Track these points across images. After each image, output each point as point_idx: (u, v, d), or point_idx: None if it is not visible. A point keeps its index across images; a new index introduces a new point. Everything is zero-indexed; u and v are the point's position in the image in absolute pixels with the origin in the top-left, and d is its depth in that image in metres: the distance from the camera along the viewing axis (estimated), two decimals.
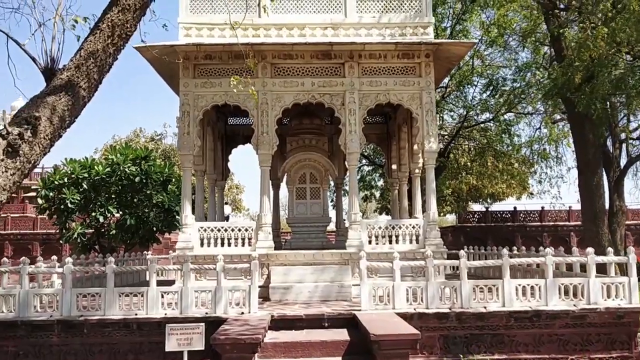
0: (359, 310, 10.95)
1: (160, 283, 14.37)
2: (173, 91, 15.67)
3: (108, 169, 23.33)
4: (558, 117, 28.53)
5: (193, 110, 14.20)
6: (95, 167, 23.61)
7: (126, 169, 23.16)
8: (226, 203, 50.50)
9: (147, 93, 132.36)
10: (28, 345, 10.65)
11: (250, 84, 10.30)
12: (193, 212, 15.89)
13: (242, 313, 10.87)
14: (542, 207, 43.92)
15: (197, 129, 14.32)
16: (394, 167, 18.96)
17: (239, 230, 14.08)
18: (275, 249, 14.45)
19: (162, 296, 10.93)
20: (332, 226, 20.09)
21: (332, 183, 20.30)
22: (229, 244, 13.96)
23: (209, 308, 10.89)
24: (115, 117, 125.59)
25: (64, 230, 24.21)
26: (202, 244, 13.97)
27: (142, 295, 10.89)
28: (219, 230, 14.07)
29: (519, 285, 11.15)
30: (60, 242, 25.50)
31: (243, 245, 14.00)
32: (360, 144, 14.20)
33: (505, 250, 11.52)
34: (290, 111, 15.78)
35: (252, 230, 14.06)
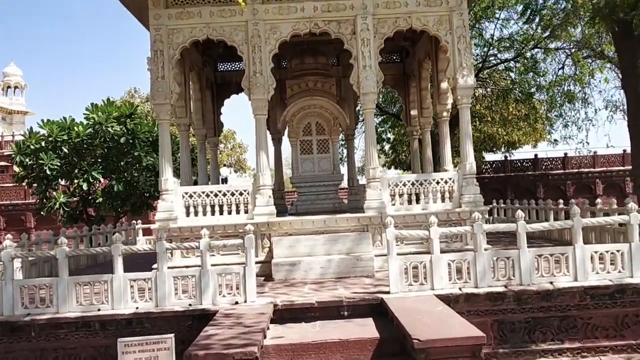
0: (387, 293, 8.43)
1: (148, 258, 11.90)
2: (145, 27, 12.83)
3: (90, 130, 20.73)
4: (585, 53, 25.63)
5: (167, 49, 11.40)
6: (76, 128, 21.04)
7: (109, 129, 20.59)
8: (226, 165, 47.90)
9: (142, 52, 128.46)
10: None
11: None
12: (178, 176, 13.36)
13: (237, 303, 8.38)
14: (565, 154, 41.12)
15: (175, 72, 11.55)
16: (413, 112, 16.14)
17: (232, 194, 11.45)
18: (279, 213, 11.93)
19: (132, 285, 8.41)
20: (344, 184, 17.44)
21: (341, 134, 17.53)
22: (221, 212, 11.39)
23: (193, 297, 8.40)
24: (113, 81, 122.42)
25: (44, 200, 21.89)
26: (187, 213, 11.40)
27: (106, 285, 8.38)
28: (207, 195, 11.46)
29: (595, 252, 8.55)
30: (42, 213, 23.13)
31: (238, 212, 11.43)
32: (377, 81, 11.41)
33: (576, 208, 8.85)
34: (288, 48, 12.98)
35: (248, 193, 11.47)
